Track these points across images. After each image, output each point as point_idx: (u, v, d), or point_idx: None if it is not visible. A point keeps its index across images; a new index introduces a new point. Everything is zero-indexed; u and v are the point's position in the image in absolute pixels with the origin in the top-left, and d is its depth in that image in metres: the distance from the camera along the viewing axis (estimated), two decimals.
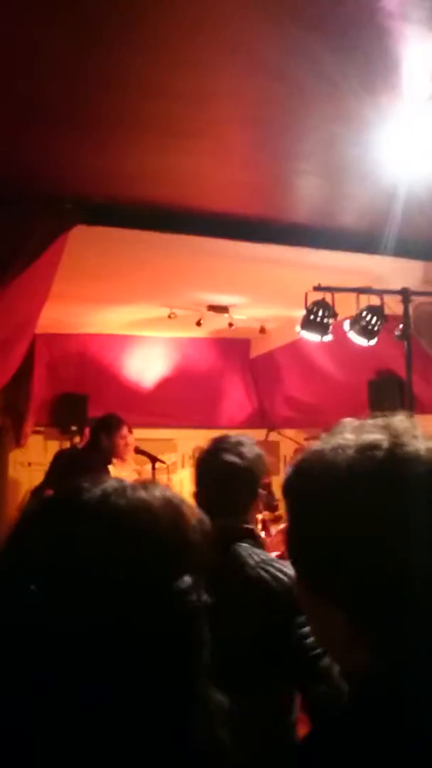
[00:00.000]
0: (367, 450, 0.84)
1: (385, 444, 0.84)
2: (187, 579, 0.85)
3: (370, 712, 0.77)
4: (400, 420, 0.88)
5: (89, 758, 0.76)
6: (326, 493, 0.84)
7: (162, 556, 0.85)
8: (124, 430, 6.05)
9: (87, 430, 6.35)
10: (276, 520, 8.22)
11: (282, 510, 8.43)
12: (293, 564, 0.91)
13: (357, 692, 0.83)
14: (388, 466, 0.83)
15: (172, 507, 0.90)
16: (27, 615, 0.81)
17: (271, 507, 8.48)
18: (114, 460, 6.32)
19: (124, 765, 0.78)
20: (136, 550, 0.84)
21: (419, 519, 0.79)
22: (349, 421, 0.91)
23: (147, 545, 0.85)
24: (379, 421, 0.88)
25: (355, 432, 0.87)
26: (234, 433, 2.76)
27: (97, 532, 0.85)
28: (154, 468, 6.62)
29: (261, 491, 2.64)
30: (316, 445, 0.89)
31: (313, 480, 0.87)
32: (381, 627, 0.79)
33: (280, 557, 7.25)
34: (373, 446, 0.84)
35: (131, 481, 0.92)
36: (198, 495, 2.52)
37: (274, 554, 7.20)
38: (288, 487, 0.92)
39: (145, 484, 0.92)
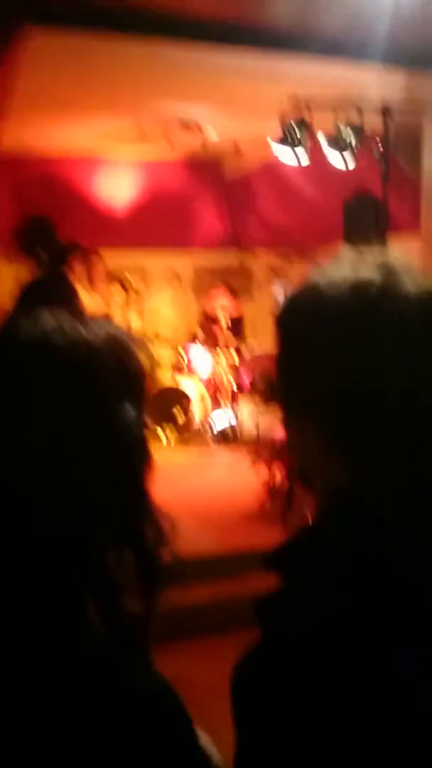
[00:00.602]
0: (359, 287, 0.87)
1: (378, 282, 0.87)
2: (131, 412, 0.90)
3: (342, 519, 0.87)
4: (395, 258, 0.92)
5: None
6: (315, 325, 0.89)
7: (107, 391, 0.89)
8: (90, 258, 5.91)
9: (51, 258, 6.17)
10: (243, 341, 8.34)
11: (250, 337, 8.53)
12: (279, 385, 0.97)
13: (330, 502, 0.92)
14: (378, 303, 0.86)
15: (115, 343, 0.92)
16: None
17: (241, 331, 8.61)
18: (83, 288, 6.24)
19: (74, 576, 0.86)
20: (79, 386, 0.87)
21: (397, 355, 0.85)
22: (347, 254, 0.94)
23: (90, 381, 0.88)
24: (376, 257, 0.92)
25: (351, 267, 0.90)
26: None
27: (38, 371, 0.87)
28: (127, 294, 6.57)
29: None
30: (312, 277, 0.93)
31: (305, 312, 0.92)
32: (351, 445, 0.87)
33: (252, 381, 7.44)
34: (366, 283, 0.87)
35: (75, 318, 0.93)
36: None
37: (246, 377, 7.39)
38: (281, 317, 0.96)
39: (87, 321, 0.92)
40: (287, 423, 0.97)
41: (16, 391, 0.87)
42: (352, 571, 0.82)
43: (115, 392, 0.89)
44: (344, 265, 0.91)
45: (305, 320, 0.91)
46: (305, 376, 0.91)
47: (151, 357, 7.67)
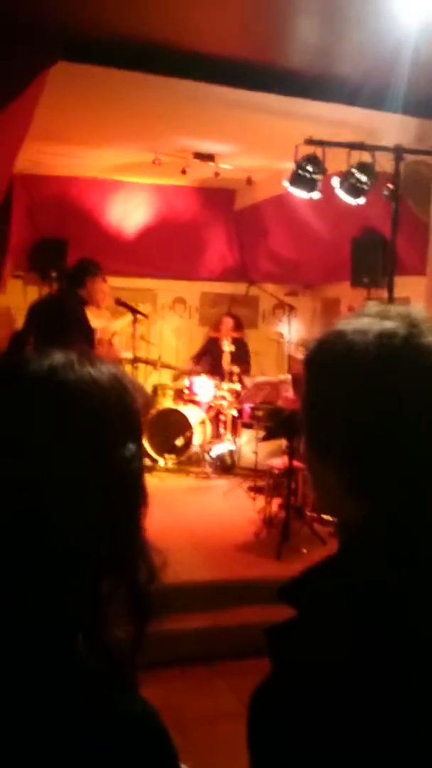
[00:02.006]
0: (384, 337, 0.92)
1: (402, 332, 0.92)
2: (131, 447, 0.94)
3: (358, 556, 0.91)
4: (419, 310, 0.97)
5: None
6: (342, 372, 0.94)
7: (109, 428, 0.93)
8: (100, 277, 5.95)
9: (66, 278, 6.22)
10: (246, 371, 8.41)
11: (255, 363, 8.58)
12: (303, 423, 1.01)
13: (347, 539, 0.97)
14: (402, 354, 0.91)
15: (118, 382, 0.96)
16: None
17: (245, 361, 8.68)
18: (91, 307, 6.30)
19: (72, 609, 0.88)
20: (85, 422, 0.91)
21: (421, 406, 0.90)
22: (373, 305, 0.99)
23: (95, 417, 0.92)
24: (401, 309, 0.97)
25: (376, 317, 0.95)
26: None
27: (45, 404, 0.91)
28: (135, 320, 6.61)
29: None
30: (340, 324, 0.97)
31: (332, 358, 0.96)
32: (369, 487, 0.92)
33: (253, 409, 7.45)
34: (391, 334, 0.92)
35: (77, 355, 0.97)
36: None
37: (247, 405, 7.41)
38: (309, 361, 1.01)
39: (92, 360, 0.97)
40: (309, 460, 1.01)
41: (22, 421, 0.90)
42: (368, 605, 0.85)
43: (116, 429, 0.93)
44: (369, 315, 0.96)
45: (331, 366, 0.96)
46: (329, 418, 0.95)
47: (148, 399, 7.71)
